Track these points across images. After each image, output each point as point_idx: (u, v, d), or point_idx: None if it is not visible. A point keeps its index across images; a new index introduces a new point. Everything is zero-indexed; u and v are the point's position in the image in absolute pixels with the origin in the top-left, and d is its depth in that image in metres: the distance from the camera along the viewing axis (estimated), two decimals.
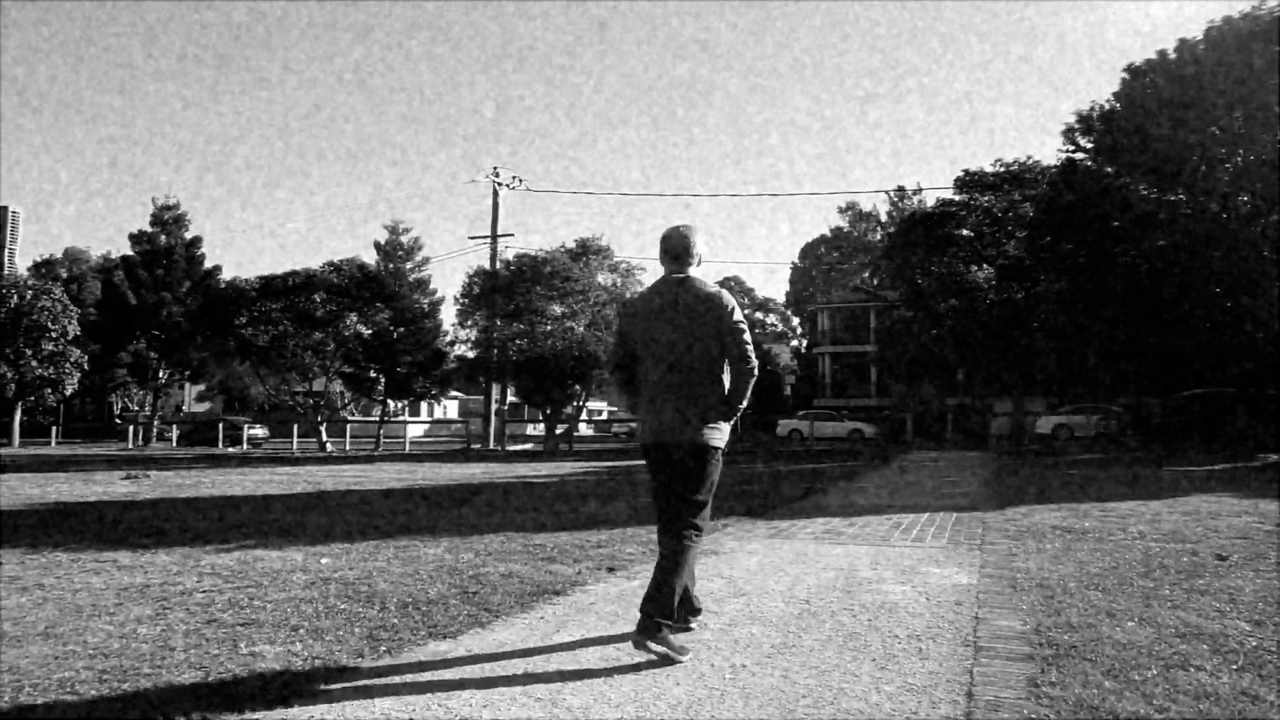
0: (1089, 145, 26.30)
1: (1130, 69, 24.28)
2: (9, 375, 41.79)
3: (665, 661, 3.42)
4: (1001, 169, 32.11)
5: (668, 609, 3.47)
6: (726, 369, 3.73)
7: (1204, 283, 22.39)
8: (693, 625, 3.95)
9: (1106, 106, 25.22)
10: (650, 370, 3.79)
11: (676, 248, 3.80)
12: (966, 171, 32.54)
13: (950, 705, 2.94)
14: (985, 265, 32.05)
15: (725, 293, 3.74)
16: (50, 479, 15.35)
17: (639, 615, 3.47)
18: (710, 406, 3.69)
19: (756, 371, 3.72)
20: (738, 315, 3.69)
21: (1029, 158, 32.25)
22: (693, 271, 3.80)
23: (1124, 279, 24.14)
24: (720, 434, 3.71)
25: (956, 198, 32.79)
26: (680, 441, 3.66)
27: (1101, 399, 32.43)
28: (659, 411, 3.73)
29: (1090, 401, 32.44)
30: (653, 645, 3.42)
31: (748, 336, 3.71)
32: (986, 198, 31.90)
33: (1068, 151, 27.27)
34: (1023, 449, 24.98)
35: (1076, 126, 26.57)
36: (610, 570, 5.51)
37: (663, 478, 3.81)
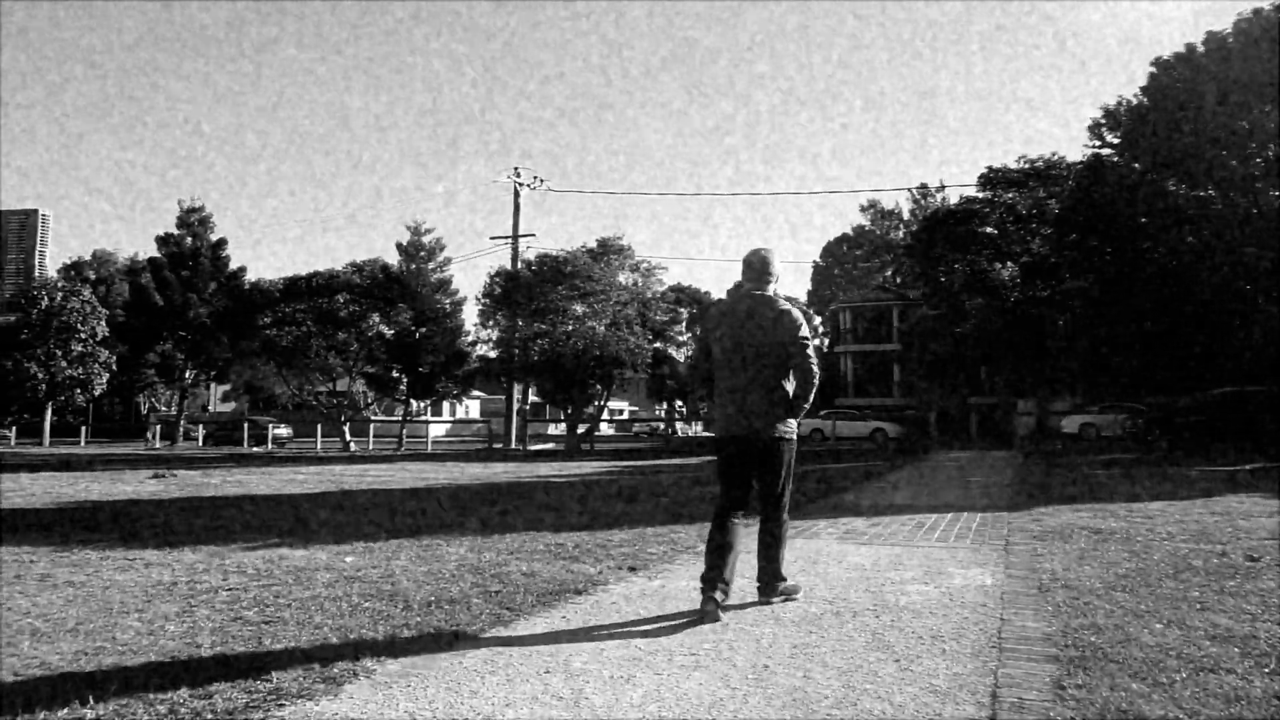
0: (1116, 141, 26.00)
1: (1158, 63, 23.96)
2: (40, 376, 42.49)
3: (788, 599, 4.49)
4: (1026, 166, 31.80)
5: (778, 571, 4.46)
6: (791, 374, 4.28)
7: (1234, 279, 22.05)
8: (798, 595, 4.63)
9: (1134, 102, 24.91)
10: (726, 372, 4.33)
11: (757, 266, 4.40)
12: (991, 168, 32.28)
13: (974, 707, 2.91)
14: (1010, 263, 31.76)
15: (795, 309, 4.32)
16: (79, 478, 15.58)
17: (758, 583, 4.47)
18: (778, 405, 4.25)
19: (818, 379, 4.29)
20: (804, 330, 4.27)
21: (1054, 154, 31.93)
22: (769, 289, 4.38)
23: (1152, 276, 23.82)
24: (788, 428, 4.30)
25: (980, 195, 32.52)
26: (753, 436, 4.25)
27: (1128, 398, 31.99)
28: (734, 408, 4.29)
29: (1117, 400, 32.02)
30: (775, 599, 4.45)
31: (811, 349, 4.28)
32: (1011, 195, 31.62)
33: (1094, 147, 26.99)
34: (1048, 448, 24.72)
35: (1103, 122, 26.28)
36: (632, 570, 5.51)
37: (735, 467, 4.38)
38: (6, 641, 3.87)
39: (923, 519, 8.01)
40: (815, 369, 4.27)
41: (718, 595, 4.10)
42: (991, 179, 32.08)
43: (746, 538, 4.65)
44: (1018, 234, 31.61)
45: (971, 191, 33.30)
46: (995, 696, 3.00)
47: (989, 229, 31.98)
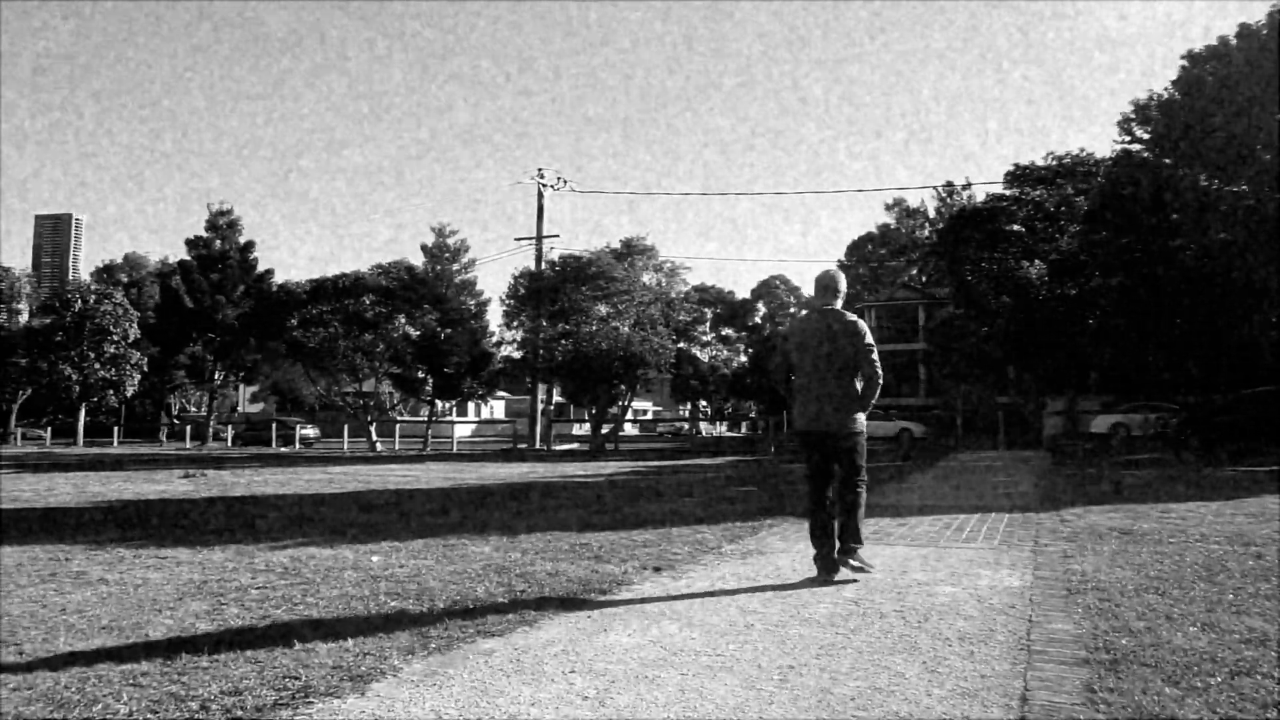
0: (1146, 136, 25.62)
1: (1189, 56, 23.57)
2: (73, 377, 43.27)
3: (860, 572, 5.04)
4: (1054, 162, 31.41)
5: (857, 535, 5.04)
6: (859, 376, 5.04)
7: (1269, 276, 21.63)
8: (873, 567, 5.20)
9: (1164, 96, 24.52)
10: (803, 376, 5.12)
11: (827, 286, 5.21)
12: (1017, 165, 31.93)
13: (1003, 709, 2.88)
14: (1037, 261, 31.38)
15: (861, 322, 5.06)
16: (112, 477, 15.84)
17: (823, 558, 5.01)
18: (848, 402, 5.02)
19: (882, 380, 5.10)
20: (870, 339, 5.04)
21: (1082, 150, 31.51)
22: (837, 304, 5.16)
23: (1183, 273, 23.44)
24: (858, 422, 5.05)
25: (1007, 192, 32.17)
26: (830, 429, 5.03)
27: (1159, 397, 31.48)
28: (812, 406, 5.08)
29: (1147, 400, 31.53)
30: (851, 562, 5.02)
31: (876, 354, 5.05)
32: (1038, 192, 31.25)
33: (1123, 143, 26.60)
34: (1077, 449, 24.40)
35: (1133, 117, 25.90)
36: (657, 570, 5.50)
37: (816, 456, 5.15)
38: (43, 638, 3.94)
39: (950, 519, 7.93)
40: (879, 371, 5.06)
41: (830, 553, 5.01)
42: (1018, 176, 31.73)
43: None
44: (1045, 231, 31.22)
45: (998, 189, 32.96)
46: (1024, 699, 2.97)
47: (1016, 227, 31.62)
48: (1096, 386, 34.25)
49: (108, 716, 2.89)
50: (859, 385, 5.05)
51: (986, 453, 22.87)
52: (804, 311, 5.24)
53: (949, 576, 5.17)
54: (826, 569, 5.01)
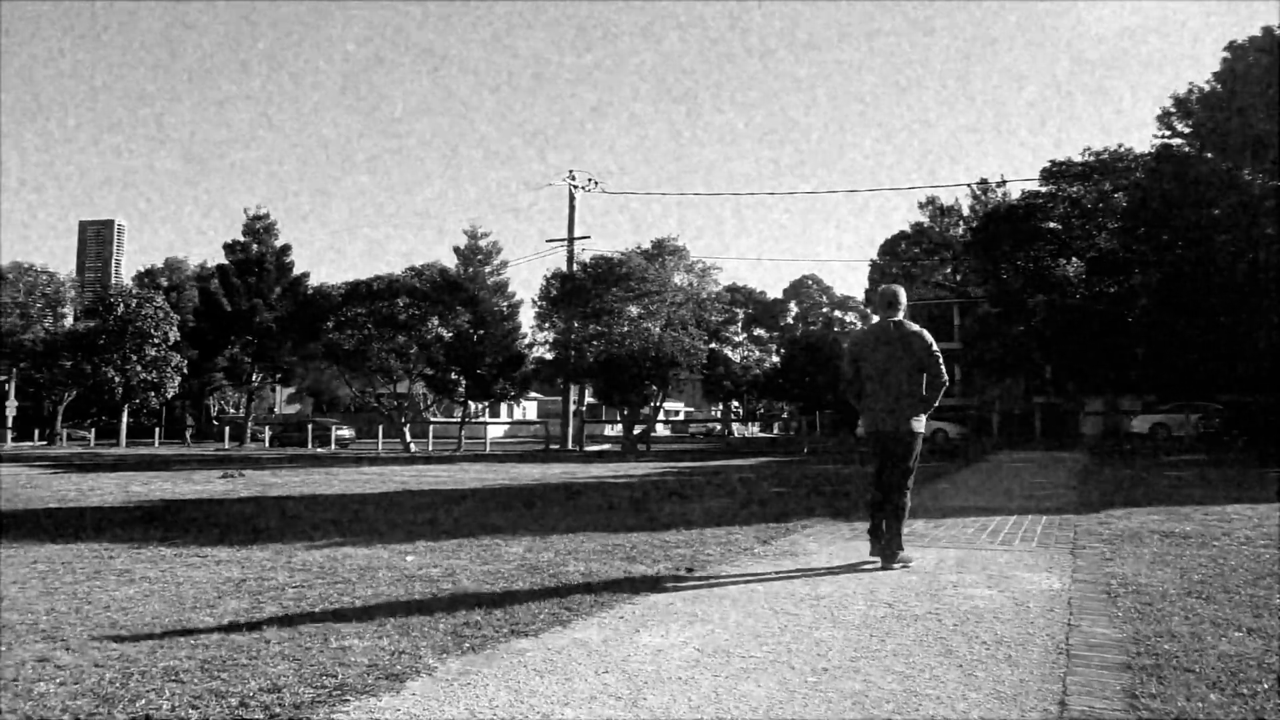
0: (1186, 130, 25.11)
1: (1231, 47, 23.06)
2: (116, 379, 44.22)
3: (904, 565, 5.41)
4: (1091, 158, 30.88)
5: (898, 543, 5.41)
6: (924, 380, 5.48)
7: None
8: (911, 559, 5.57)
9: (1206, 88, 24.00)
10: (872, 382, 5.57)
11: (890, 300, 5.68)
12: (1053, 162, 31.43)
13: (1041, 714, 2.84)
14: (1075, 258, 30.87)
15: (925, 331, 5.55)
16: (154, 477, 16.15)
17: (882, 548, 5.42)
18: (913, 404, 5.47)
19: (946, 385, 5.55)
20: (934, 346, 5.48)
21: (1120, 145, 30.93)
22: (899, 315, 5.61)
23: (1226, 269, 22.92)
24: (921, 424, 5.53)
25: (1043, 189, 31.69)
26: (896, 430, 5.47)
27: (1202, 396, 30.81)
28: (881, 409, 5.52)
29: (1189, 399, 30.88)
30: (895, 564, 5.38)
31: (940, 361, 5.47)
32: (1075, 188, 30.75)
33: (1163, 137, 26.12)
34: (1117, 449, 23.96)
35: (1173, 110, 25.41)
36: (689, 570, 5.50)
37: (883, 454, 5.59)
38: (89, 633, 4.03)
39: (985, 521, 7.83)
40: (944, 376, 5.52)
41: (897, 554, 5.42)
42: (1054, 172, 31.24)
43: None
44: (1082, 229, 30.70)
45: (1034, 186, 32.48)
46: (1063, 704, 2.92)
47: (1052, 224, 31.13)
48: (1136, 386, 33.60)
49: (150, 711, 2.95)
50: (922, 389, 5.52)
51: (1023, 453, 22.53)
52: (870, 324, 5.79)
53: (985, 579, 5.11)
54: (889, 558, 5.45)
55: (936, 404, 5.54)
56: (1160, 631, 3.83)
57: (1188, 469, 15.01)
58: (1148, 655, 3.46)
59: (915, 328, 5.56)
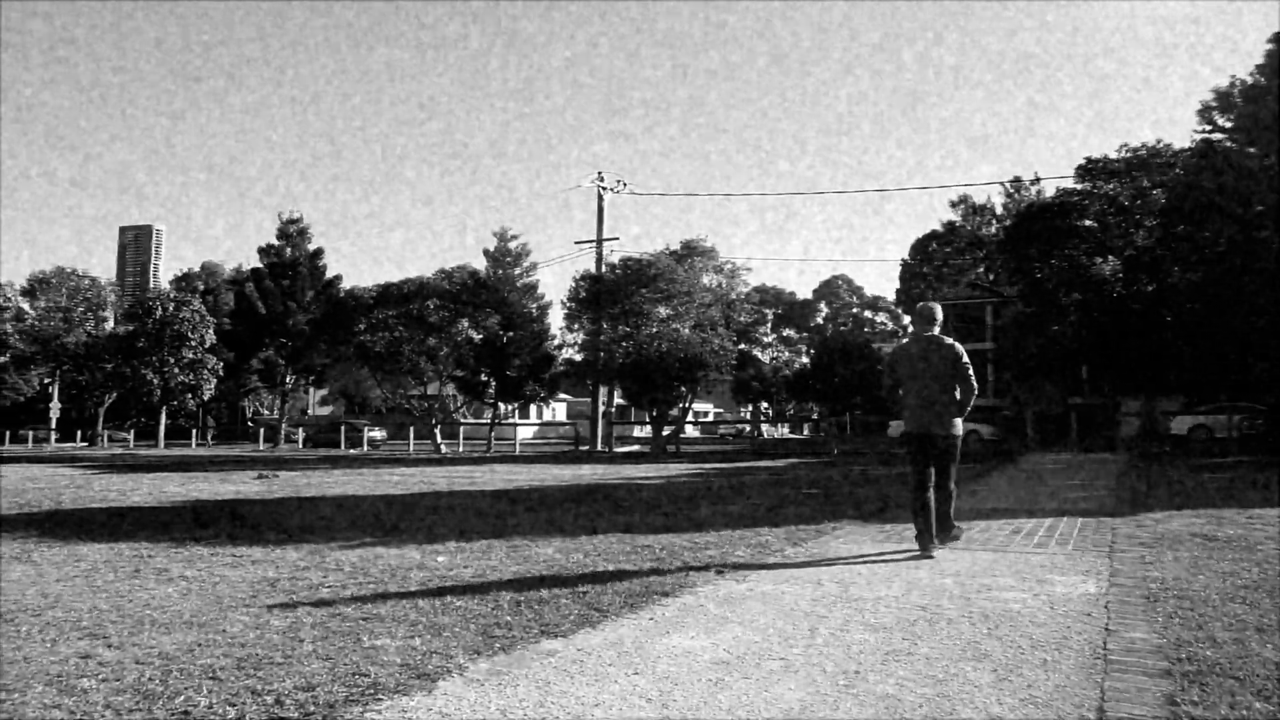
0: (1228, 124, 24.57)
1: (1277, 38, 22.52)
2: (154, 381, 45.05)
3: (956, 540, 6.36)
4: (1128, 154, 30.34)
5: (949, 521, 6.22)
6: (958, 388, 6.14)
7: None
8: (950, 542, 6.33)
9: (1249, 81, 23.48)
10: (911, 389, 6.24)
11: (929, 317, 6.32)
12: (1089, 159, 30.91)
13: None
14: (1111, 257, 30.34)
15: (958, 344, 6.18)
16: (191, 478, 16.43)
17: (935, 534, 6.08)
18: (950, 409, 6.13)
19: (976, 393, 6.24)
20: (966, 358, 6.11)
21: (1159, 141, 30.37)
22: (936, 330, 6.27)
23: (1271, 267, 22.39)
24: (957, 426, 6.16)
25: (1078, 187, 31.19)
26: (935, 433, 6.13)
27: (1244, 397, 30.11)
28: (919, 414, 6.18)
29: (1231, 400, 30.20)
30: (950, 545, 6.22)
31: (971, 371, 6.12)
32: (1111, 185, 30.22)
33: (1204, 132, 25.56)
34: (1155, 451, 23.52)
35: (1214, 105, 24.87)
36: (719, 573, 5.48)
37: (922, 455, 6.20)
38: (129, 631, 4.11)
39: (1020, 524, 7.73)
40: (975, 385, 6.18)
41: (931, 539, 5.99)
42: (1090, 169, 30.74)
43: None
44: (1119, 226, 30.17)
45: (1068, 183, 31.99)
46: (1101, 711, 2.87)
47: (1088, 222, 30.61)
48: (1175, 386, 32.95)
49: (190, 708, 3.00)
50: (957, 396, 6.15)
51: (1058, 454, 22.20)
52: (909, 336, 6.46)
53: (1019, 582, 5.04)
54: (924, 547, 5.98)
55: (968, 410, 6.20)
56: (1202, 637, 3.75)
57: (1229, 471, 14.69)
58: (1189, 662, 3.40)
59: (950, 342, 6.19)
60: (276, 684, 3.23)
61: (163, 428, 47.46)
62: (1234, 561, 5.64)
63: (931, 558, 5.86)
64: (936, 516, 6.14)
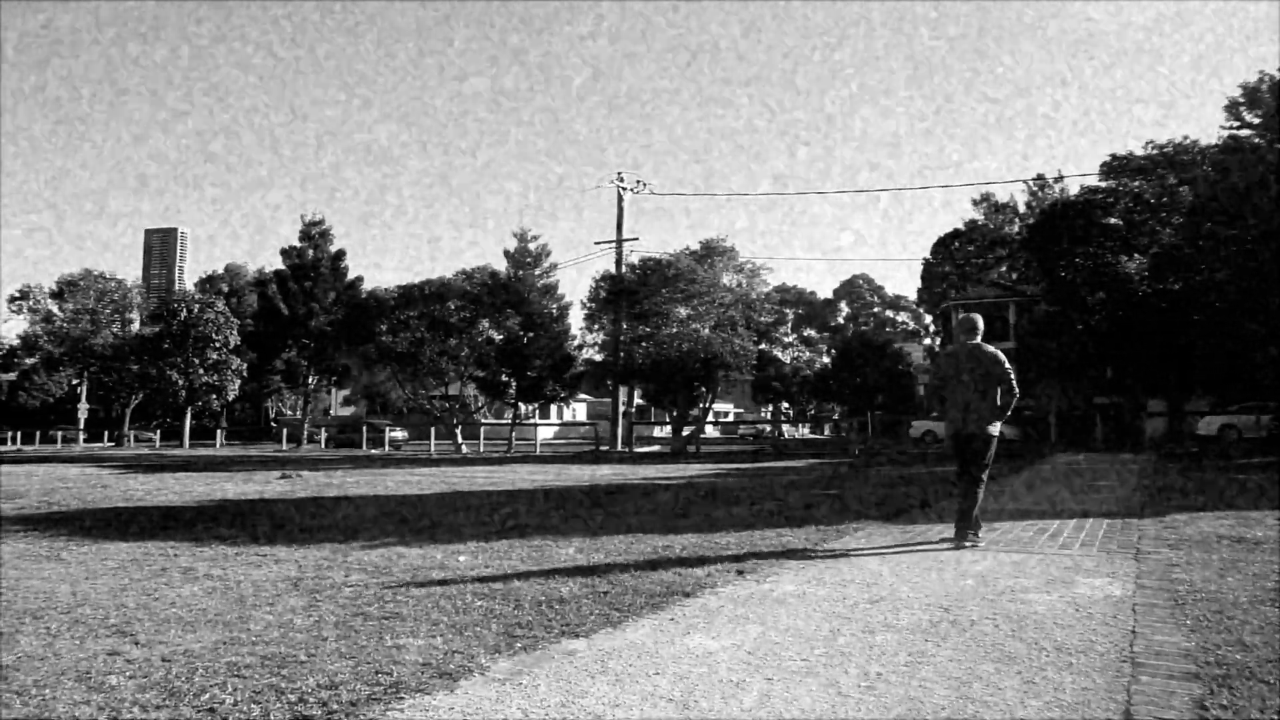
0: (1256, 120, 24.20)
1: None
2: (179, 382, 45.59)
3: (974, 546, 6.37)
4: (1154, 151, 30.00)
5: (969, 523, 6.46)
6: (999, 392, 6.56)
7: None
8: (980, 540, 6.56)
9: (1277, 76, 23.13)
10: (955, 393, 6.70)
11: (971, 327, 6.83)
12: (1114, 156, 30.60)
13: None
14: (1137, 255, 29.96)
15: (1000, 352, 6.63)
16: (216, 478, 16.60)
17: (954, 529, 6.54)
18: (989, 411, 6.56)
19: (1017, 396, 6.59)
20: (1007, 365, 6.57)
21: (1185, 138, 29.97)
22: (978, 339, 6.72)
23: None
24: (995, 427, 6.60)
25: (1103, 184, 30.84)
26: (976, 433, 6.58)
27: (1273, 397, 29.62)
28: (962, 415, 6.62)
29: (1261, 400, 29.71)
30: (965, 543, 6.38)
31: (1012, 377, 6.54)
32: (1137, 183, 29.86)
33: (1232, 128, 25.20)
34: (1182, 452, 23.20)
35: (1241, 101, 24.51)
36: (740, 573, 5.47)
37: (963, 453, 6.67)
38: (155, 629, 4.16)
39: (1044, 525, 7.65)
40: (1015, 389, 6.57)
41: (968, 534, 6.41)
42: (1115, 167, 30.43)
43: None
44: (1145, 224, 29.82)
45: (1093, 181, 31.65)
46: (1129, 715, 2.84)
47: (1113, 219, 30.27)
48: (1202, 386, 32.49)
49: (215, 705, 3.03)
50: (997, 400, 6.59)
51: (1083, 455, 21.95)
52: (953, 345, 6.96)
53: (1044, 584, 4.98)
54: (960, 538, 6.42)
55: (1009, 412, 6.66)
56: (1231, 641, 3.70)
57: (1259, 472, 14.47)
58: (1218, 665, 3.35)
59: (991, 349, 6.64)
60: (300, 682, 3.26)
61: (188, 428, 48.00)
62: (1264, 564, 5.55)
63: (970, 546, 6.34)
64: (959, 512, 6.54)
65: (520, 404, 37.81)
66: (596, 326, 31.19)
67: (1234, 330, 25.94)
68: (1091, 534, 7.05)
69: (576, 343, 35.29)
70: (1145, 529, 7.31)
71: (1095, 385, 36.58)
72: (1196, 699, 2.97)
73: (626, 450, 31.28)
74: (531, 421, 42.51)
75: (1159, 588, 4.84)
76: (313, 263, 47.03)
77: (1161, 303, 28.56)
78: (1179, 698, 2.99)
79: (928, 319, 73.92)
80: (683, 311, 29.09)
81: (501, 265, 37.63)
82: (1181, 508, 8.96)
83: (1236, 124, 25.02)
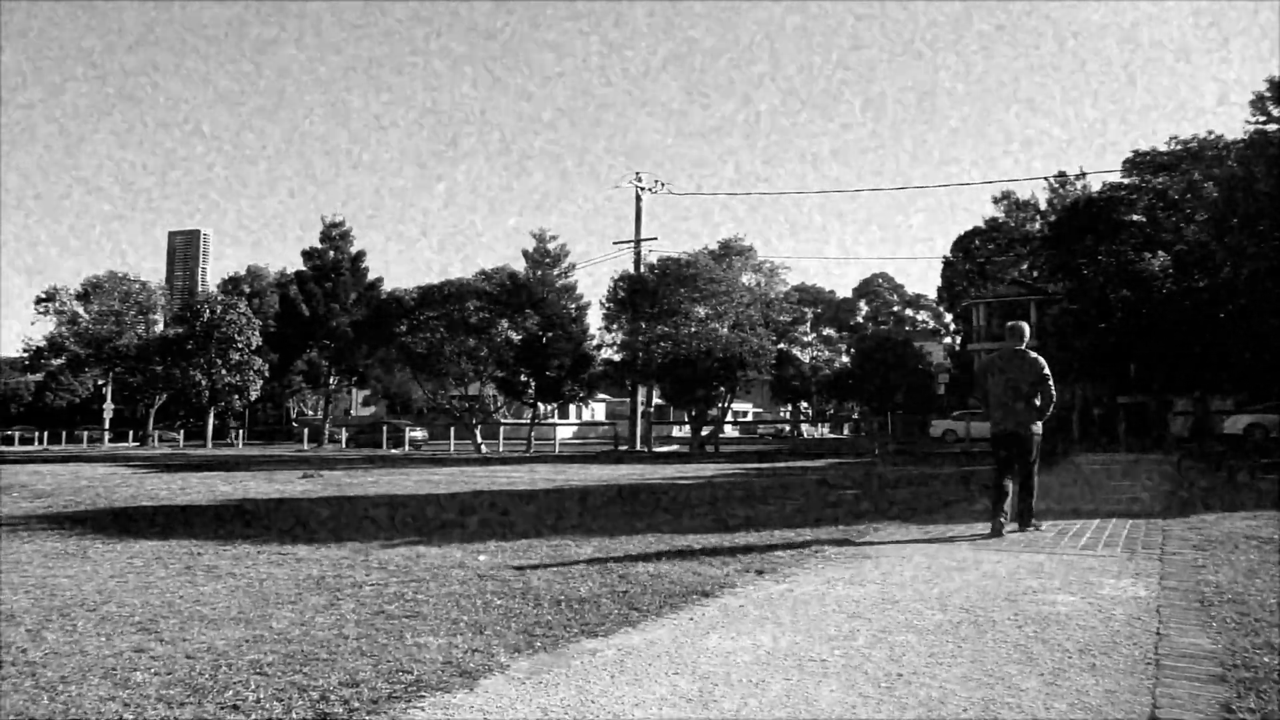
0: None
1: None
2: (202, 383, 46.04)
3: (1036, 530, 7.00)
4: (1178, 147, 29.60)
5: (1030, 513, 7.11)
6: (1039, 395, 7.10)
7: None
8: (1042, 525, 7.23)
9: None
10: (998, 394, 7.23)
11: (1019, 334, 7.35)
12: (1137, 152, 30.23)
13: None
14: (1160, 252, 29.60)
15: (1041, 358, 7.14)
16: (238, 477, 16.76)
17: (1019, 519, 7.11)
18: (1031, 413, 7.09)
19: (1055, 399, 7.21)
20: (1047, 370, 7.10)
21: (1210, 133, 29.57)
22: (1023, 345, 7.25)
23: None
24: (1037, 427, 7.13)
25: (1126, 181, 30.50)
26: (1019, 432, 7.09)
27: None
28: (1005, 415, 7.16)
29: None
30: (1029, 532, 6.97)
31: (1051, 382, 7.10)
32: (1160, 179, 29.50)
33: (1258, 123, 24.81)
34: (1208, 451, 22.90)
35: (1268, 95, 24.13)
36: (759, 573, 5.45)
37: (1006, 451, 7.13)
38: (180, 626, 4.21)
39: (1066, 525, 7.57)
40: (1054, 392, 7.15)
41: (1000, 519, 6.86)
42: (1138, 163, 30.06)
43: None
44: (1169, 221, 29.45)
45: (1115, 178, 31.30)
46: (1154, 718, 2.81)
47: (1136, 216, 29.93)
48: (1228, 384, 32.05)
49: (238, 702, 3.06)
50: (1039, 401, 7.11)
51: (1106, 454, 21.72)
52: (998, 349, 7.44)
53: (1067, 585, 4.94)
54: (995, 531, 6.83)
55: (1049, 413, 7.11)
56: (1259, 643, 3.65)
57: None
58: (1245, 668, 3.30)
59: (1034, 355, 7.13)
60: (322, 679, 3.29)
61: (210, 428, 48.47)
62: None
63: (1001, 536, 6.73)
64: (1019, 511, 7.10)
65: (539, 404, 37.86)
66: (615, 326, 31.19)
67: (1260, 328, 25.56)
68: (1115, 534, 6.97)
69: (595, 342, 35.29)
70: (1170, 529, 7.23)
71: (1119, 384, 36.19)
72: (1223, 702, 2.93)
73: (645, 450, 31.27)
74: (550, 421, 42.60)
75: (1184, 589, 4.79)
76: (333, 264, 47.38)
77: (1185, 300, 28.20)
78: (1204, 701, 2.95)
79: (948, 317, 73.37)
80: (701, 311, 29.04)
81: (520, 266, 37.75)
82: (1207, 508, 8.84)
83: (1263, 118, 24.63)
